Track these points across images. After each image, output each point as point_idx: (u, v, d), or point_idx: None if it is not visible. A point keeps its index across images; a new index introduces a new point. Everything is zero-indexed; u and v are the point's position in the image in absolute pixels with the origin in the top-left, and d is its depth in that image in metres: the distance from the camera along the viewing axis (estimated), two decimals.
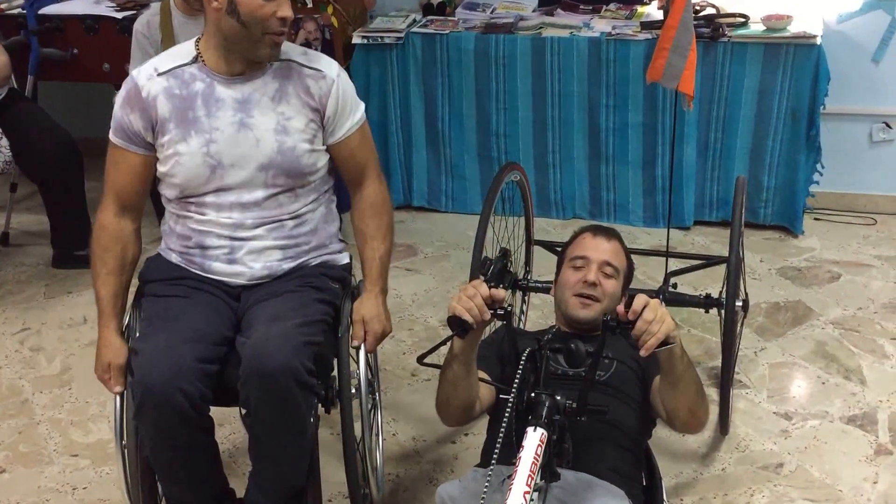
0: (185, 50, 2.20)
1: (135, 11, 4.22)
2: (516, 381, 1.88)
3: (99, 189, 4.52)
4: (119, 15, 4.15)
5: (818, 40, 3.71)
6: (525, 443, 1.79)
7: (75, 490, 2.61)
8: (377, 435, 2.44)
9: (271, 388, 2.00)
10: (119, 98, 2.17)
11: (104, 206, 2.23)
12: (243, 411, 2.15)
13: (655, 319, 1.82)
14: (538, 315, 3.35)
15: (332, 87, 2.20)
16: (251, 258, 2.20)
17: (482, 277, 2.35)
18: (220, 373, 2.08)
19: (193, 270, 2.22)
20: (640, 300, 1.85)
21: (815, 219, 4.14)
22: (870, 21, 3.91)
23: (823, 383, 2.97)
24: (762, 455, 2.64)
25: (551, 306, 3.39)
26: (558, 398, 1.87)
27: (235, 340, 2.11)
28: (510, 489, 1.73)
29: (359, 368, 2.21)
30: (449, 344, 2.00)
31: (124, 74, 3.95)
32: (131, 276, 2.25)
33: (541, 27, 4.07)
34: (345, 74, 2.26)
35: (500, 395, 1.94)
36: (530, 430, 1.81)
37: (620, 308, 1.85)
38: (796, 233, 4.01)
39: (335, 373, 2.24)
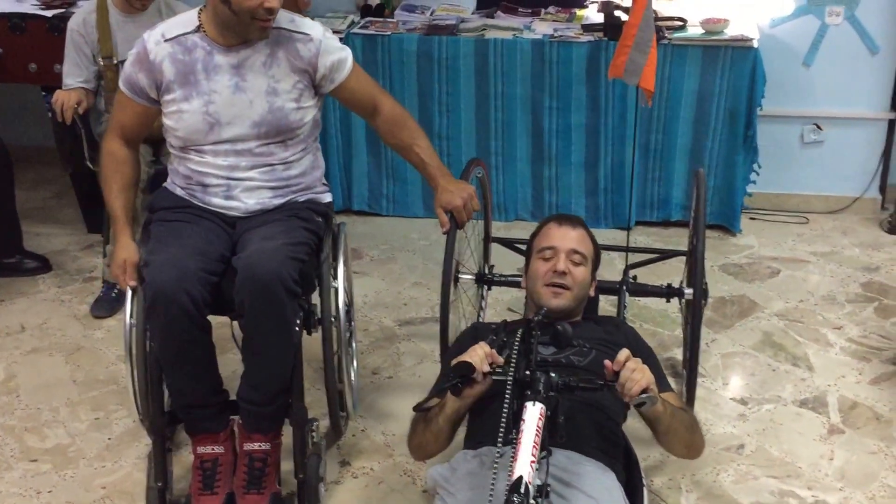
0: (188, 19, 2.55)
1: (63, 10, 4.26)
2: (512, 362, 2.04)
3: (30, 198, 4.56)
4: (48, 13, 4.17)
5: (755, 43, 4.01)
6: (526, 416, 1.95)
7: (39, 494, 2.65)
8: (352, 357, 2.90)
9: (262, 293, 2.35)
10: (130, 56, 2.56)
11: (110, 137, 2.66)
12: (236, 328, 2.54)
13: (637, 369, 2.05)
14: (491, 313, 3.52)
15: (320, 46, 2.55)
16: (245, 195, 2.59)
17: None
18: (218, 285, 2.44)
19: (195, 202, 2.61)
20: (623, 353, 2.08)
21: (751, 218, 4.45)
22: (801, 26, 4.25)
23: (774, 370, 3.23)
24: (723, 438, 2.86)
25: (504, 304, 3.60)
26: (552, 375, 2.04)
27: (231, 259, 2.47)
28: (515, 459, 1.88)
29: (338, 298, 2.65)
30: (442, 401, 2.22)
31: (52, 75, 4.03)
32: (136, 192, 2.74)
33: (483, 29, 4.27)
34: (328, 31, 2.62)
35: (495, 378, 2.09)
36: (529, 404, 1.97)
37: (608, 363, 2.07)
38: (734, 231, 4.30)
39: (317, 303, 2.63)
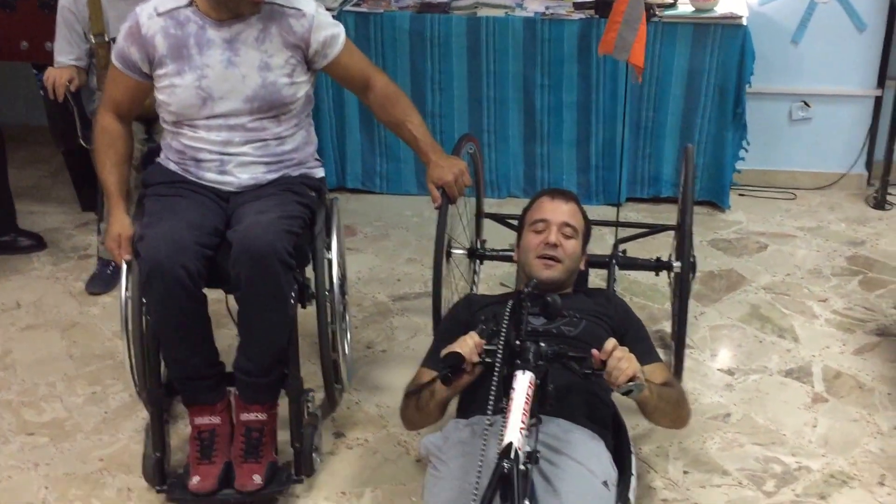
0: None
1: None
2: (502, 332, 2.08)
3: (23, 177, 4.58)
4: None
5: (744, 21, 4.04)
6: (516, 385, 1.99)
7: (37, 466, 2.69)
8: (346, 331, 2.93)
9: (258, 265, 2.38)
10: (122, 30, 2.56)
11: (103, 112, 2.66)
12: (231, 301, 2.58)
13: (624, 358, 2.08)
14: (484, 288, 3.56)
15: (313, 22, 2.56)
16: (239, 170, 2.61)
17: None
18: (213, 258, 2.47)
19: (189, 178, 2.62)
20: (610, 343, 2.11)
21: (740, 194, 4.49)
22: (789, 3, 4.28)
23: (760, 342, 3.28)
24: (710, 407, 2.91)
25: (496, 279, 3.64)
26: (542, 345, 2.08)
27: (226, 233, 2.50)
28: (506, 425, 1.92)
29: (332, 271, 2.70)
30: (432, 388, 2.27)
31: (44, 53, 4.03)
32: (130, 167, 2.71)
33: (475, 7, 4.29)
34: (321, 7, 2.62)
35: (486, 347, 2.13)
36: (519, 373, 2.01)
37: (596, 352, 2.10)
38: (723, 207, 4.34)
39: (311, 276, 2.67)
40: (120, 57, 2.58)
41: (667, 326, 3.34)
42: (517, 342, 2.07)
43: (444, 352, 2.15)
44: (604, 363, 2.09)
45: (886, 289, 3.62)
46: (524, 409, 1.95)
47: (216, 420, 2.53)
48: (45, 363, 3.20)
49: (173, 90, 2.54)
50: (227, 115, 2.56)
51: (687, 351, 3.15)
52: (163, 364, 2.58)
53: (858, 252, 3.93)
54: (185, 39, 2.51)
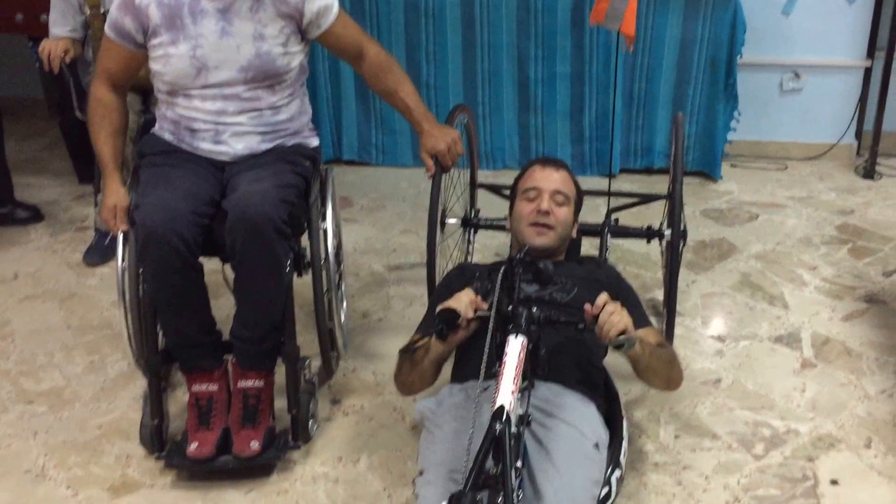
0: None
1: None
2: (494, 297, 2.10)
3: (21, 150, 4.57)
4: None
5: None
6: (508, 349, 2.01)
7: (36, 434, 2.70)
8: (342, 299, 2.95)
9: (253, 232, 2.40)
10: (116, 1, 2.54)
11: (97, 84, 2.64)
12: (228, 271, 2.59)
13: (615, 312, 2.10)
14: (479, 258, 3.57)
15: None
16: (234, 140, 2.61)
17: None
18: (209, 227, 2.48)
19: (184, 148, 2.63)
20: (602, 297, 2.13)
21: (732, 165, 4.51)
22: None
23: (751, 309, 3.30)
24: (701, 373, 2.94)
25: (491, 250, 3.65)
26: (534, 310, 2.09)
27: (221, 202, 2.50)
28: (498, 389, 1.94)
29: (327, 239, 2.71)
30: (427, 344, 2.29)
31: (39, 26, 4.01)
32: (125, 138, 2.70)
33: None
34: None
35: (478, 313, 2.15)
36: (511, 337, 2.02)
37: (588, 306, 2.12)
38: (715, 178, 4.36)
39: (306, 245, 2.68)
40: (114, 27, 2.57)
41: (659, 295, 3.36)
42: (509, 307, 2.09)
43: (439, 307, 2.17)
44: (595, 318, 2.10)
45: (875, 256, 3.64)
46: (516, 373, 1.96)
47: (213, 387, 2.55)
48: (44, 333, 3.21)
49: (168, 60, 2.54)
50: (222, 84, 2.55)
51: (678, 318, 3.18)
52: (160, 332, 2.59)
53: (848, 221, 3.95)
54: (179, 9, 2.51)
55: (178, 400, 2.79)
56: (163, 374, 2.62)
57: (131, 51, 2.58)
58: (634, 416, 2.73)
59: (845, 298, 3.35)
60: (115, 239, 3.67)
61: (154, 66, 2.58)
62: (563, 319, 2.13)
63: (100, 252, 3.70)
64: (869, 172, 4.36)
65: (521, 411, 1.97)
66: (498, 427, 1.85)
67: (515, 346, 2.01)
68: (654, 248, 3.53)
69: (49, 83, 3.78)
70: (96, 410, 2.80)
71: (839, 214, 4.01)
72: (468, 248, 3.37)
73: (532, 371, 2.08)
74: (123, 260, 2.58)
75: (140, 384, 2.86)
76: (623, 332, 2.10)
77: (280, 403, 2.62)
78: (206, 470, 2.46)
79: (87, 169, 4.36)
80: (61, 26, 3.63)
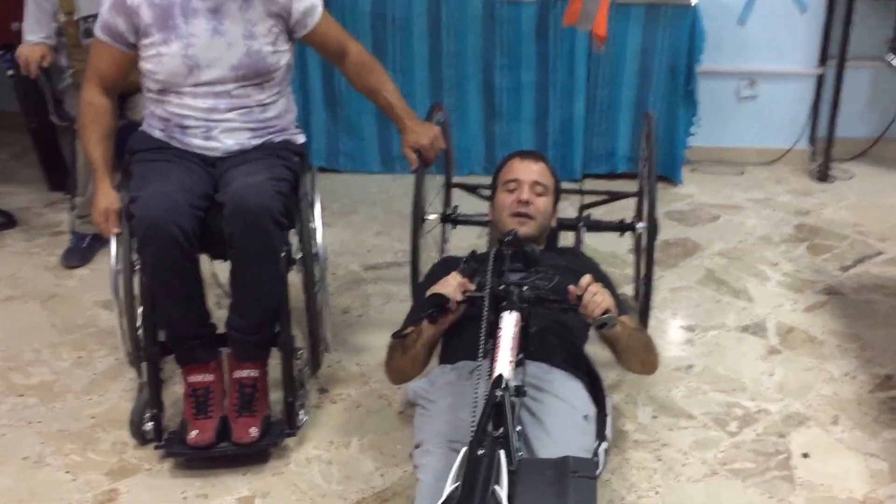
0: None
1: None
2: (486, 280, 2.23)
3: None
4: None
5: (693, 2, 4.24)
6: (503, 324, 2.14)
7: (30, 424, 2.77)
8: (327, 293, 3.00)
9: (251, 222, 2.50)
10: (106, 2, 2.61)
11: (88, 86, 2.71)
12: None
13: (598, 292, 2.25)
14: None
15: None
16: (224, 136, 2.70)
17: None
18: (203, 220, 2.55)
19: (175, 144, 2.71)
20: (585, 278, 2.28)
21: (692, 170, 4.71)
22: None
23: (717, 301, 3.48)
24: (673, 360, 3.10)
25: (466, 250, 3.77)
26: (524, 289, 2.23)
27: (215, 196, 2.59)
28: (496, 359, 2.06)
29: (317, 233, 2.82)
30: (419, 328, 2.40)
31: (10, 33, 4.07)
32: (114, 142, 2.75)
33: None
34: None
35: (467, 294, 2.27)
36: (506, 314, 2.16)
37: (572, 287, 2.26)
38: (676, 182, 4.55)
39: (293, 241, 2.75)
40: (105, 28, 2.63)
41: (628, 290, 3.52)
42: (501, 287, 2.22)
43: (428, 292, 2.29)
44: (579, 298, 2.24)
45: (832, 253, 3.85)
46: (512, 345, 2.09)
47: (210, 377, 2.63)
48: (28, 331, 3.27)
49: (160, 59, 2.61)
50: (213, 82, 2.64)
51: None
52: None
53: (805, 221, 4.16)
54: (171, 9, 2.59)
55: (170, 393, 2.86)
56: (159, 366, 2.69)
57: (123, 52, 2.65)
58: (613, 399, 2.87)
59: (806, 291, 3.54)
60: (94, 241, 3.77)
61: (146, 65, 2.65)
62: (552, 297, 2.27)
63: (78, 254, 3.75)
64: (823, 176, 4.58)
65: (516, 383, 2.10)
66: (498, 394, 1.97)
67: (510, 321, 2.14)
68: (622, 247, 3.70)
69: (24, 88, 3.84)
70: (88, 402, 2.87)
71: (796, 215, 4.22)
72: (444, 246, 3.50)
73: (523, 348, 2.22)
74: (117, 263, 2.63)
75: (130, 377, 2.94)
76: (606, 312, 2.25)
77: (271, 395, 2.71)
78: (205, 457, 2.54)
79: (58, 176, 4.41)
80: (36, 33, 3.71)
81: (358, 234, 4.03)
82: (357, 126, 4.64)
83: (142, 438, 2.65)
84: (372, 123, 4.64)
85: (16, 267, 3.74)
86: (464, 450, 1.79)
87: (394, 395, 2.88)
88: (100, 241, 3.83)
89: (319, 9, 2.76)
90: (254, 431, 2.54)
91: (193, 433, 2.53)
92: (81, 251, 3.76)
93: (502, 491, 1.64)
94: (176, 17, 2.60)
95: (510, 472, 1.73)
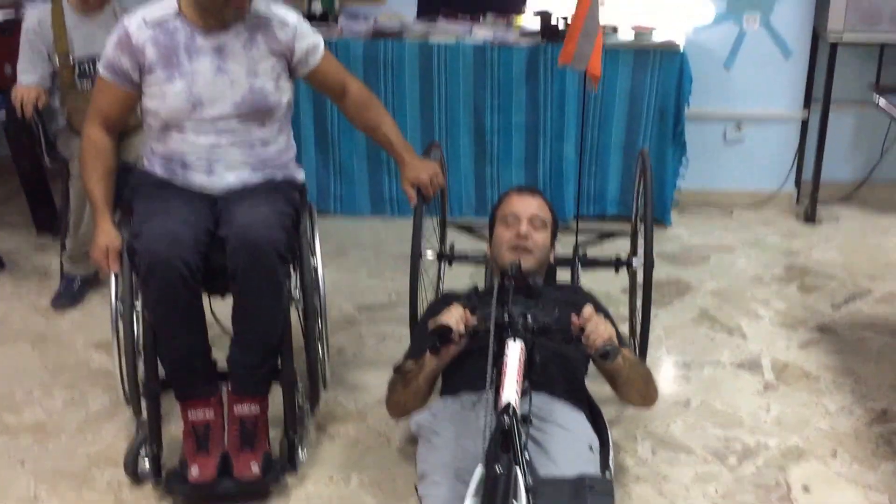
0: (167, 3, 2.68)
1: (12, 10, 4.37)
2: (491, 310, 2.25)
3: None
4: None
5: (682, 46, 4.35)
6: (508, 352, 2.16)
7: (24, 463, 2.75)
8: (324, 331, 3.02)
9: (256, 256, 2.53)
10: (111, 42, 2.66)
11: (90, 124, 2.75)
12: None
13: (601, 323, 2.31)
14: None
15: (296, 31, 2.74)
16: (226, 172, 2.74)
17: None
18: (206, 256, 2.56)
19: (176, 182, 2.73)
20: (588, 309, 2.34)
21: (680, 212, 4.77)
22: (721, 31, 4.63)
23: (711, 339, 3.52)
24: (671, 395, 3.12)
25: (462, 286, 3.79)
26: (528, 318, 2.25)
27: (217, 231, 2.61)
28: (503, 387, 2.08)
29: (318, 268, 2.87)
30: (421, 360, 2.44)
31: (2, 77, 4.11)
32: (114, 180, 2.78)
33: (427, 33, 4.52)
34: (301, 17, 2.80)
35: (472, 326, 2.30)
36: (510, 341, 2.18)
37: (575, 317, 2.31)
38: (666, 224, 4.61)
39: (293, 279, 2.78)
40: (110, 67, 2.67)
41: (623, 328, 3.55)
42: (505, 316, 2.25)
43: (431, 323, 2.31)
44: (582, 329, 2.27)
45: (822, 292, 3.91)
46: (518, 372, 2.11)
47: (210, 414, 2.62)
48: (20, 372, 3.26)
49: (164, 97, 2.65)
50: (216, 119, 2.68)
51: None
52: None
53: (794, 261, 4.23)
54: (175, 47, 2.64)
55: (165, 431, 2.84)
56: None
57: (127, 91, 2.70)
58: (612, 434, 2.89)
59: (799, 329, 3.59)
60: (84, 283, 3.78)
61: (149, 103, 2.69)
62: (556, 327, 2.30)
63: (69, 296, 3.75)
64: (810, 218, 4.66)
65: (522, 412, 2.11)
66: (506, 420, 1.99)
67: (515, 350, 2.16)
68: (615, 286, 3.74)
69: (16, 131, 3.87)
70: (82, 441, 2.86)
71: (785, 255, 4.29)
72: (439, 284, 3.53)
73: (527, 376, 2.24)
74: (118, 299, 2.65)
75: (124, 417, 2.94)
76: (608, 342, 2.28)
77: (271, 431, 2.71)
78: (204, 494, 2.54)
79: (46, 220, 4.43)
80: (29, 74, 3.75)
81: (350, 276, 4.05)
82: (348, 169, 4.69)
83: (137, 477, 2.64)
84: (363, 167, 4.69)
85: (5, 309, 3.73)
86: (480, 467, 1.80)
87: (392, 432, 2.89)
88: (90, 284, 3.85)
89: (321, 47, 2.82)
90: (255, 467, 2.54)
91: (194, 470, 2.52)
92: (72, 293, 3.76)
93: None
94: (180, 56, 2.64)
95: (527, 490, 1.74)
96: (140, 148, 3.53)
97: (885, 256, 4.29)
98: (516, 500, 1.68)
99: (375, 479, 2.68)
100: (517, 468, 1.78)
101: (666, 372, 3.29)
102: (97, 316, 3.66)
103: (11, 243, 4.34)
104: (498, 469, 1.75)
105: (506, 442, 1.97)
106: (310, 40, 2.77)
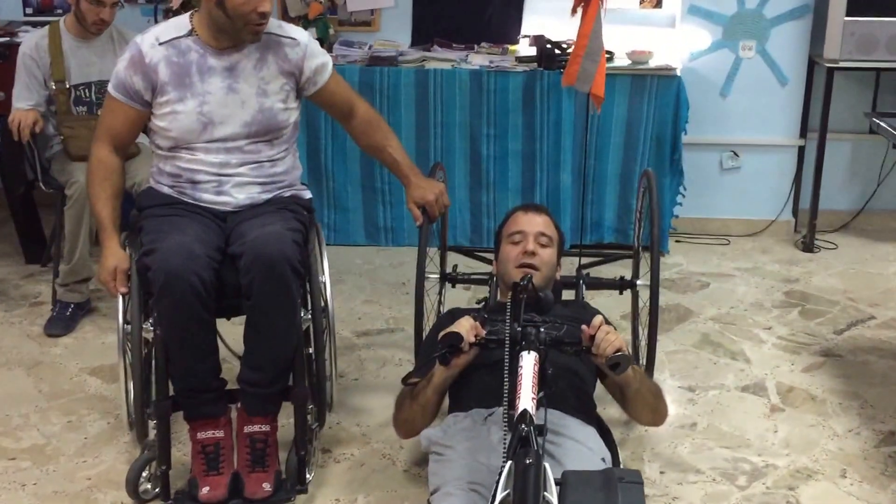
0: (180, 23, 2.76)
1: (7, 38, 4.44)
2: (506, 320, 2.32)
3: None
4: None
5: (678, 72, 4.46)
6: (522, 363, 2.22)
7: (24, 486, 2.77)
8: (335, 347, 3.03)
9: (270, 272, 2.57)
10: (123, 61, 2.73)
11: (99, 144, 2.80)
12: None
13: (611, 332, 2.37)
14: None
15: (306, 50, 2.82)
16: (236, 190, 2.80)
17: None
18: (217, 273, 2.61)
19: (185, 200, 2.78)
20: (597, 319, 2.41)
21: (677, 241, 4.87)
22: (717, 59, 4.75)
23: (715, 363, 3.59)
24: (677, 418, 3.18)
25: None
26: (542, 330, 2.32)
27: (228, 249, 2.67)
28: (519, 397, 2.14)
29: (326, 288, 2.88)
30: (430, 373, 2.50)
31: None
32: (122, 201, 2.84)
33: (423, 60, 4.62)
34: (311, 36, 2.89)
35: (483, 338, 2.36)
36: (524, 353, 2.25)
37: (585, 327, 2.38)
38: (664, 252, 4.69)
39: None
40: (120, 87, 2.73)
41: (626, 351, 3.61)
42: (518, 328, 2.31)
43: (441, 334, 2.37)
44: (592, 338, 2.34)
45: (824, 317, 3.99)
46: (533, 383, 2.17)
47: (220, 433, 2.65)
48: (15, 397, 3.28)
49: (175, 116, 2.71)
50: (226, 139, 2.75)
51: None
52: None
53: (794, 288, 4.32)
54: (188, 67, 2.70)
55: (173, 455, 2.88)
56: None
57: (137, 111, 2.75)
58: (619, 457, 2.94)
59: (802, 353, 3.66)
60: (77, 309, 3.81)
61: (159, 123, 2.75)
62: (567, 340, 2.36)
63: (62, 323, 3.78)
64: (808, 247, 4.76)
65: (538, 422, 2.17)
66: (523, 428, 2.04)
67: (529, 360, 2.23)
68: (616, 310, 3.81)
69: (9, 157, 3.92)
70: (82, 464, 2.89)
71: (785, 282, 4.38)
72: (440, 308, 3.59)
73: (540, 388, 2.29)
74: (126, 322, 2.67)
75: (124, 440, 2.97)
76: (619, 351, 2.34)
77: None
78: None
79: (35, 248, 4.46)
80: (25, 99, 3.82)
81: (347, 303, 4.10)
82: (341, 198, 4.75)
83: (138, 497, 2.66)
84: (357, 196, 4.76)
85: None
86: (509, 462, 1.85)
87: (398, 455, 2.93)
88: (83, 310, 3.88)
89: (329, 67, 2.90)
90: (267, 486, 2.58)
91: (205, 490, 2.55)
92: (65, 319, 3.79)
93: (553, 497, 1.71)
94: (192, 76, 2.71)
95: (556, 483, 1.80)
96: (136, 175, 3.61)
97: (886, 283, 4.38)
98: (548, 492, 1.73)
99: (381, 500, 2.72)
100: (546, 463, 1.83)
101: (670, 395, 3.34)
102: (90, 342, 3.70)
103: (1, 271, 4.37)
104: (528, 459, 1.81)
105: (524, 450, 2.02)
106: (319, 60, 2.85)
